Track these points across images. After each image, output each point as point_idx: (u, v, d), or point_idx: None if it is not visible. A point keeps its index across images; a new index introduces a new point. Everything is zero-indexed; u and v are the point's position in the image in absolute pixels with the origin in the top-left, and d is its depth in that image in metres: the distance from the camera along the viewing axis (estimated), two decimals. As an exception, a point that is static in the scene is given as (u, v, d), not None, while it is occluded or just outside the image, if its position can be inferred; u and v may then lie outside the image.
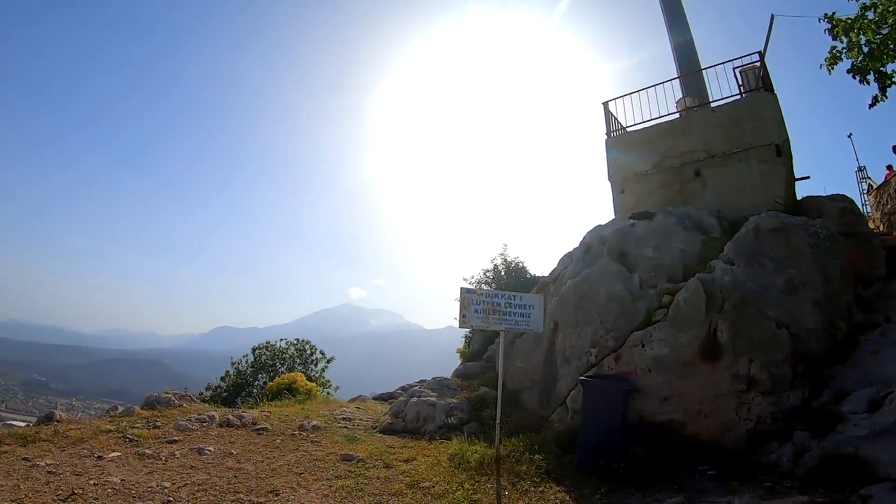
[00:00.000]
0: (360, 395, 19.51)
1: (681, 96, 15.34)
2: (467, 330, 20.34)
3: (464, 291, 9.26)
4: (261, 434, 10.59)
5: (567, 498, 7.08)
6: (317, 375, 21.12)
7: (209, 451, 8.86)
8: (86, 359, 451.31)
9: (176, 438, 9.50)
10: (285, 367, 21.06)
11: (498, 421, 8.80)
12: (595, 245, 12.21)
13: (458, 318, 9.35)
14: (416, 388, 15.03)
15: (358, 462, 8.82)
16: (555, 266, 14.95)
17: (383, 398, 17.54)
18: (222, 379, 22.07)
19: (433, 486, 7.51)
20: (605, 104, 15.57)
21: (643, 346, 9.33)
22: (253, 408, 13.77)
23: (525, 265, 19.51)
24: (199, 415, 11.24)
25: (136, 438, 9.21)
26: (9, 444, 8.36)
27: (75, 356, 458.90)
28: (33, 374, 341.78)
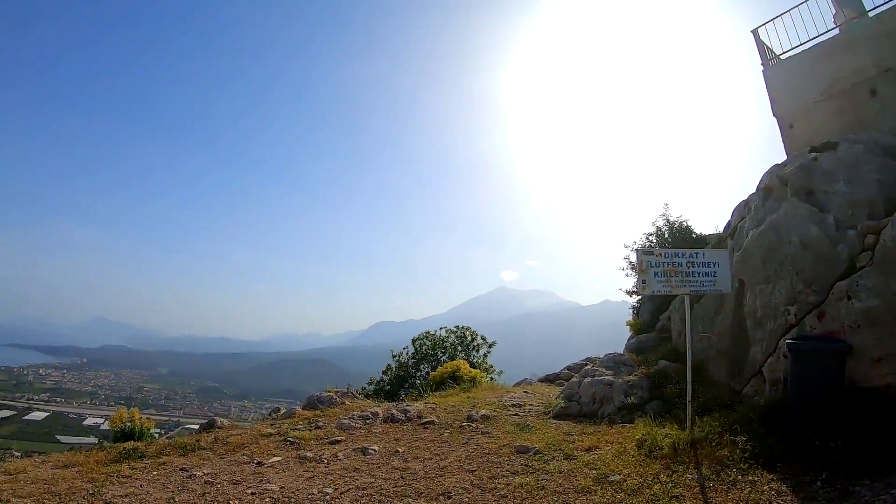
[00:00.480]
0: (525, 379, 20.98)
1: (836, 10, 15.26)
2: (633, 300, 22.22)
3: (640, 253, 9.99)
4: (427, 428, 12.12)
5: (783, 488, 7.12)
6: (479, 361, 24.80)
7: (373, 450, 10.24)
8: (253, 363, 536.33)
9: (338, 438, 11.14)
10: (447, 355, 25.32)
11: (689, 398, 9.34)
12: (776, 187, 12.33)
13: (636, 284, 10.11)
14: (587, 367, 15.99)
15: (535, 454, 9.62)
16: (728, 218, 15.36)
17: (549, 380, 19.87)
18: (384, 372, 26.23)
19: (624, 480, 7.95)
20: (755, 32, 16.22)
21: (849, 298, 9.20)
22: (417, 400, 15.78)
23: (689, 224, 20.85)
24: (362, 412, 13.08)
25: (297, 441, 10.92)
26: (168, 455, 10.09)
27: (244, 362, 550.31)
28: (207, 382, 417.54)
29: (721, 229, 16.63)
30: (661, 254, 10.03)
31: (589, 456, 9.30)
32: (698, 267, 9.88)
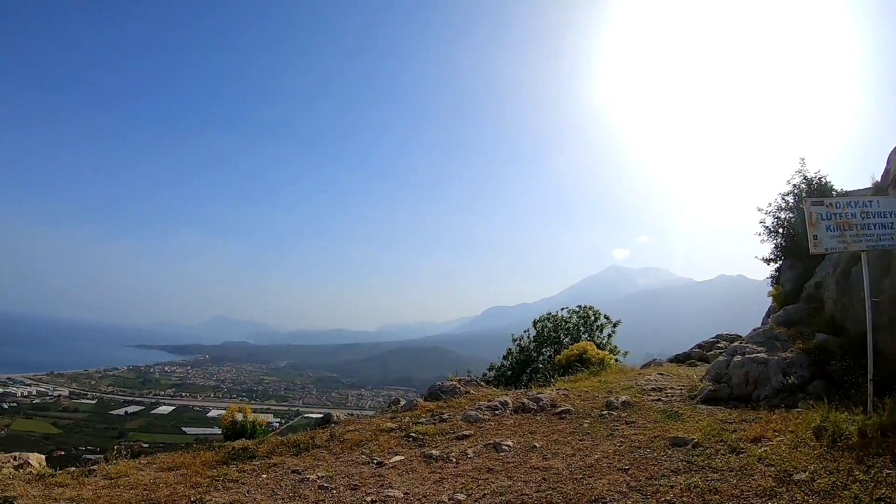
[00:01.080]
0: (654, 359, 19.53)
1: None
2: (771, 269, 20.11)
3: (809, 203, 8.84)
4: (563, 418, 10.92)
5: None
6: (604, 342, 23.73)
7: (507, 446, 9.11)
8: (369, 353, 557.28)
9: (466, 433, 10.07)
10: (569, 337, 24.50)
11: (871, 376, 8.20)
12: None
13: (810, 241, 8.55)
14: (735, 344, 14.20)
15: (694, 447, 8.20)
16: (885, 165, 13.30)
17: (679, 360, 18.51)
18: (505, 357, 25.76)
19: (812, 479, 6.47)
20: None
21: None
22: (545, 386, 14.52)
23: (829, 181, 18.56)
24: (490, 401, 12.03)
25: (420, 437, 9.98)
26: (280, 455, 9.41)
27: (360, 352, 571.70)
28: (324, 372, 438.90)
29: (878, 179, 14.48)
30: (832, 204, 8.58)
31: (758, 448, 7.78)
32: (873, 218, 8.61)
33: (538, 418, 10.91)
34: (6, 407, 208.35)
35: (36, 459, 12.09)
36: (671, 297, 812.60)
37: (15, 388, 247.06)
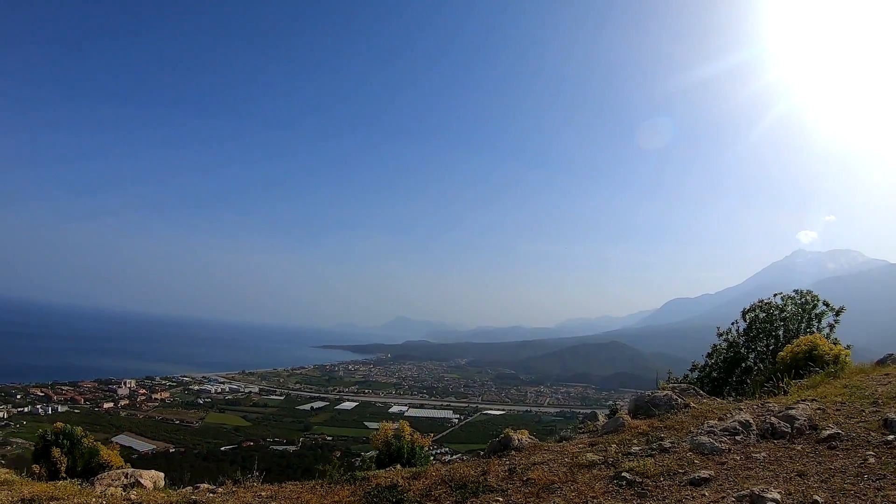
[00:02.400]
0: (890, 355, 15.71)
1: None
2: None
3: None
4: (835, 448, 7.69)
5: None
6: (827, 334, 19.68)
7: (773, 501, 5.97)
8: (547, 349, 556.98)
9: (703, 474, 6.93)
10: (783, 329, 20.96)
11: None
12: None
13: None
14: None
15: None
16: None
17: None
18: (709, 355, 22.52)
19: None
20: None
21: None
22: (775, 395, 11.56)
23: None
24: (722, 419, 8.81)
25: (637, 479, 6.96)
26: (436, 500, 7.00)
27: (538, 349, 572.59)
28: (503, 369, 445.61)
29: None
30: None
31: None
32: None
33: (799, 448, 7.67)
34: (201, 402, 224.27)
35: (150, 479, 10.70)
36: (865, 283, 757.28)
37: (210, 386, 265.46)
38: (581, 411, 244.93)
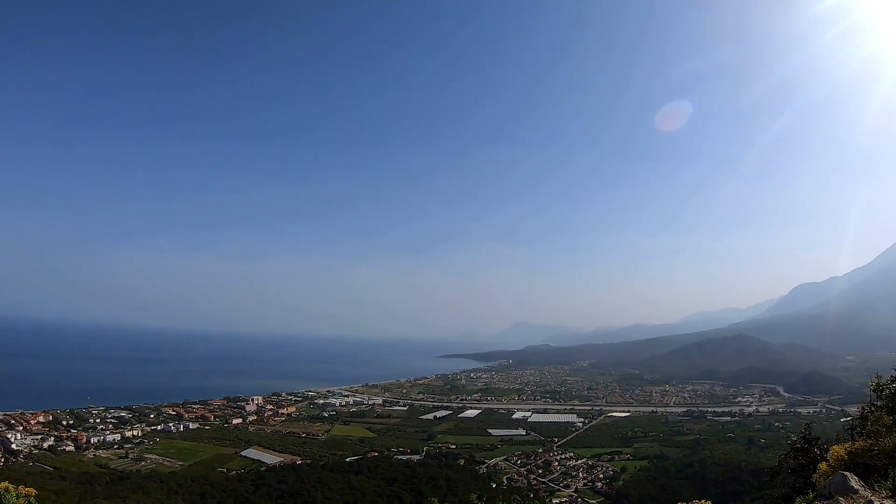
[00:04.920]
0: None
1: None
2: None
3: None
4: None
5: None
6: None
7: None
8: (671, 347, 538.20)
9: None
10: None
11: None
12: None
13: None
14: None
15: None
16: None
17: None
18: None
19: None
20: None
21: None
22: None
23: None
24: None
25: None
26: None
27: (661, 347, 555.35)
28: (626, 369, 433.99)
29: None
30: None
31: None
32: None
33: None
34: (326, 415, 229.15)
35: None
36: None
37: (334, 399, 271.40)
38: (709, 409, 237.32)
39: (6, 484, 11.50)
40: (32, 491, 11.99)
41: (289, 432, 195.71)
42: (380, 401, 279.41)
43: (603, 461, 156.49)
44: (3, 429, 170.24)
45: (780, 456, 26.49)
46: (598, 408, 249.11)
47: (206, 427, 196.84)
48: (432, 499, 30.27)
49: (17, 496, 11.41)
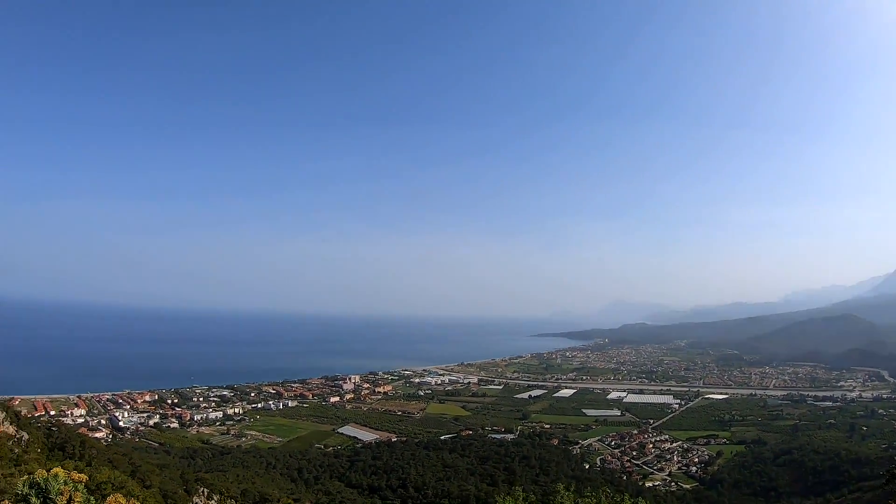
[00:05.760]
0: None
1: None
2: None
3: None
4: None
5: None
6: None
7: None
8: (773, 326, 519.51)
9: None
10: None
11: None
12: None
13: None
14: None
15: None
16: None
17: None
18: None
19: None
20: None
21: None
22: None
23: None
24: None
25: None
26: None
27: (762, 326, 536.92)
28: (725, 350, 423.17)
29: None
30: None
31: None
32: None
33: None
34: (422, 394, 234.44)
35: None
36: None
37: (430, 378, 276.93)
38: (810, 393, 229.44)
39: (58, 469, 11.46)
40: (83, 477, 11.94)
41: (385, 410, 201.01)
42: (475, 380, 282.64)
43: (698, 444, 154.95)
44: (112, 407, 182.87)
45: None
46: (694, 389, 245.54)
47: (305, 405, 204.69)
48: (516, 487, 31.79)
49: (66, 482, 11.18)
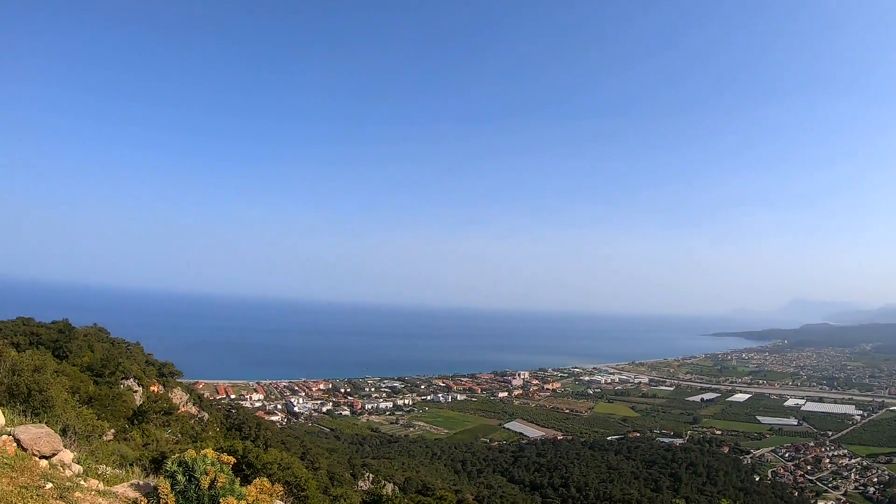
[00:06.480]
0: None
1: None
2: None
3: None
4: None
5: None
6: None
7: None
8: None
9: None
10: None
11: None
12: None
13: None
14: None
15: None
16: None
17: None
18: None
19: None
20: None
21: None
22: None
23: None
24: None
25: None
26: None
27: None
28: None
29: None
30: None
31: None
32: None
33: None
34: (591, 392, 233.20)
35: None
36: None
37: (599, 377, 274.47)
38: None
39: (208, 451, 11.84)
40: (231, 459, 12.07)
41: (552, 407, 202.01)
42: (646, 380, 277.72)
43: (879, 462, 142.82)
44: (288, 394, 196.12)
45: None
46: (879, 399, 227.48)
47: (473, 399, 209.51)
48: (676, 501, 32.29)
49: (213, 463, 11.54)
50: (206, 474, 11.30)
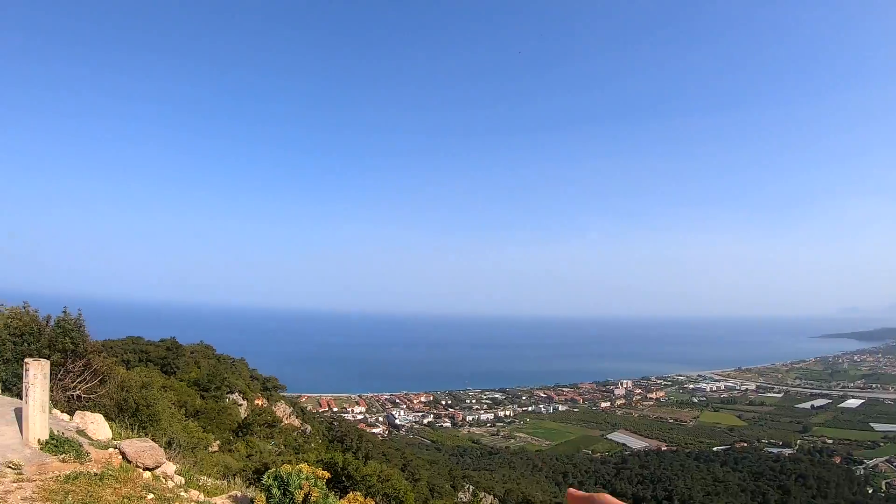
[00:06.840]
0: None
1: None
2: None
3: None
4: None
5: None
6: None
7: None
8: None
9: None
10: None
11: None
12: None
13: None
14: None
15: None
16: None
17: None
18: None
19: None
20: None
21: None
22: None
23: None
24: None
25: None
26: None
27: None
28: None
29: None
30: None
31: None
32: None
33: None
34: (696, 401, 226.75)
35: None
36: None
37: (704, 384, 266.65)
38: None
39: (303, 465, 12.27)
40: (326, 474, 12.41)
41: (656, 417, 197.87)
42: (752, 386, 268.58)
43: None
44: (389, 406, 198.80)
45: None
46: None
47: (575, 409, 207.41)
48: None
49: (307, 478, 11.87)
50: (301, 488, 11.88)
